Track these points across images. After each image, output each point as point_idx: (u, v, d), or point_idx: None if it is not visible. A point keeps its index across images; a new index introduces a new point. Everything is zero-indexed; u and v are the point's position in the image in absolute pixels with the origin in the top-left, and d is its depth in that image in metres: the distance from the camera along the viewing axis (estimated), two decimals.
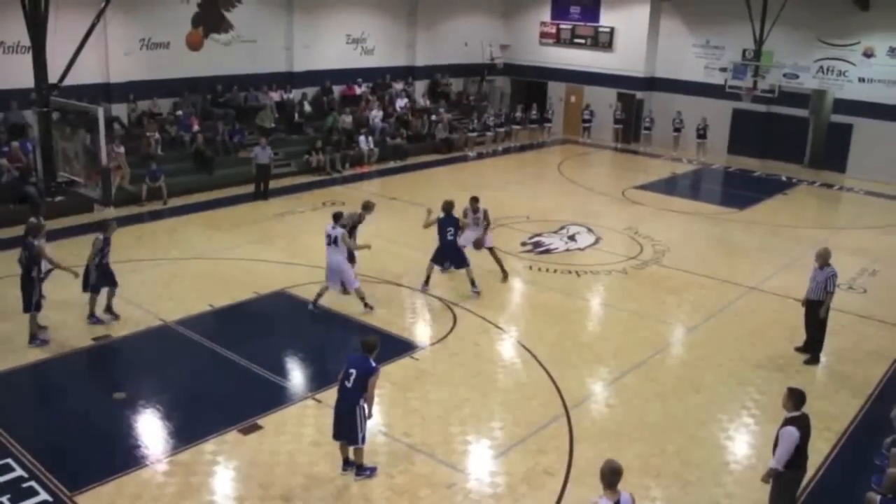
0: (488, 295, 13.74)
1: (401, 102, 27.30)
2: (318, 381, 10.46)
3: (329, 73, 25.73)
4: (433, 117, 27.28)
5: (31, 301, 11.18)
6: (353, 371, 8.07)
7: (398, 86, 28.03)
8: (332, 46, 25.80)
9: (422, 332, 12.33)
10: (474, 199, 14.23)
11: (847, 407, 10.38)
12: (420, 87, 29.18)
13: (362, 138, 24.09)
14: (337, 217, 12.44)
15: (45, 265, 11.62)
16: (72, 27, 14.52)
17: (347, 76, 26.47)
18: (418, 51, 28.76)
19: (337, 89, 26.05)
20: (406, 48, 28.65)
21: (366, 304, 12.66)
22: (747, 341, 12.33)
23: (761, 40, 24.81)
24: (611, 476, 6.07)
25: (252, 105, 23.27)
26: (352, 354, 8.32)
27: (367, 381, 8.04)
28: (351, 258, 13.04)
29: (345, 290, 12.80)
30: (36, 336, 11.25)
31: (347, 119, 24.74)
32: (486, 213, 14.29)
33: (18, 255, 11.52)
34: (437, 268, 13.94)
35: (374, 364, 8.14)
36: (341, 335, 12.26)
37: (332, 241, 12.28)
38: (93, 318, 12.00)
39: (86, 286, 11.88)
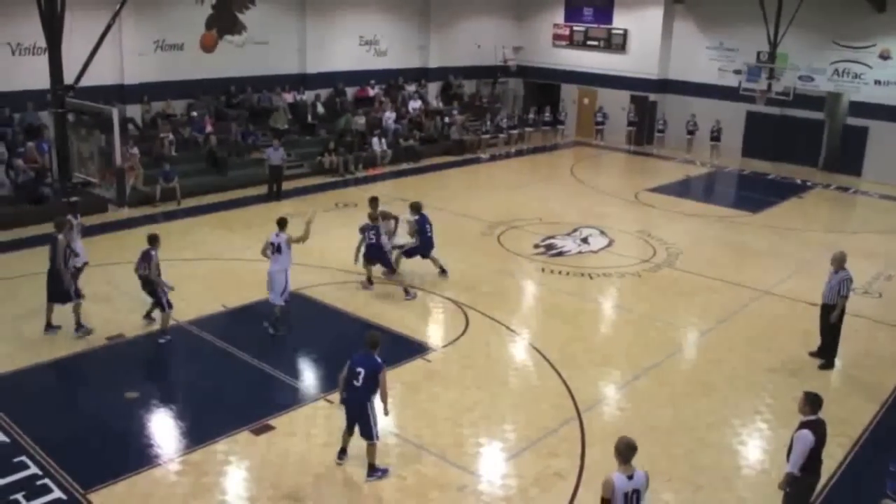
0: (500, 297, 13.73)
1: (414, 104, 27.32)
2: (329, 382, 10.42)
3: (342, 74, 25.81)
4: (446, 119, 27.31)
5: (69, 293, 11.40)
6: (360, 370, 8.12)
7: (411, 87, 28.07)
8: (344, 48, 25.86)
9: (433, 334, 12.32)
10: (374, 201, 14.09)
11: (861, 412, 10.28)
12: (433, 88, 29.22)
13: (375, 140, 24.14)
14: (282, 224, 11.91)
15: (78, 259, 11.74)
16: (87, 28, 14.60)
17: (360, 78, 26.53)
18: (431, 52, 28.79)
19: (350, 91, 26.13)
20: (419, 50, 28.67)
21: (274, 325, 11.99)
22: (760, 345, 12.24)
23: (776, 42, 24.64)
24: (626, 451, 6.22)
25: (265, 106, 23.37)
26: (355, 353, 8.34)
27: (376, 378, 8.09)
28: (391, 268, 13.31)
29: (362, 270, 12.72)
30: (81, 324, 11.52)
31: (360, 121, 24.78)
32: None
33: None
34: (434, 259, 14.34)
35: (379, 360, 8.20)
36: (353, 336, 12.18)
37: (275, 250, 11.79)
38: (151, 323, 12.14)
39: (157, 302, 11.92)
